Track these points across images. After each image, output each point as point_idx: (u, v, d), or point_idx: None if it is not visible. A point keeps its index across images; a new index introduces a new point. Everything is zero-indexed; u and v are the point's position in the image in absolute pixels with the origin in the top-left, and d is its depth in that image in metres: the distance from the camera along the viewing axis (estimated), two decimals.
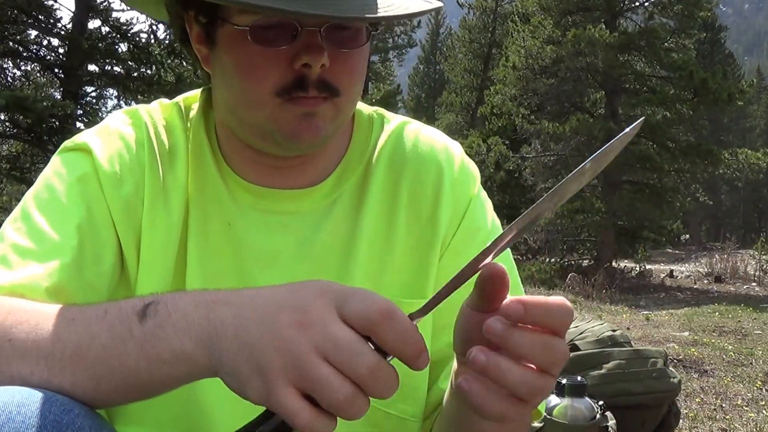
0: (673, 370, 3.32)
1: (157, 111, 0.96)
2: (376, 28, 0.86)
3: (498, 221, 1.02)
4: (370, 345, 0.59)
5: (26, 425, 0.58)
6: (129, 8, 9.81)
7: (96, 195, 0.87)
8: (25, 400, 0.60)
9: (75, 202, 0.85)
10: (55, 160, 0.91)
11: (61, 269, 0.79)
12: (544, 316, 0.62)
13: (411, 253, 0.94)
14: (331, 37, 0.79)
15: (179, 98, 0.99)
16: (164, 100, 0.99)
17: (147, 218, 0.88)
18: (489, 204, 1.02)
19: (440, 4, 0.86)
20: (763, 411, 4.06)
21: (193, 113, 0.96)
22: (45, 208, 0.85)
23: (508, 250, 1.00)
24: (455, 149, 1.00)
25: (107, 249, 0.85)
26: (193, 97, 0.99)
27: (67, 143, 0.92)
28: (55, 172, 0.89)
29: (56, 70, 10.50)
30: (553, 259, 17.62)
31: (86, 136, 0.91)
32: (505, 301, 0.64)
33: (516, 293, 0.99)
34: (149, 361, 0.64)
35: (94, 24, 10.40)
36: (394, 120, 1.01)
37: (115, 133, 0.91)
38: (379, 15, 0.78)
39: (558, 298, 0.64)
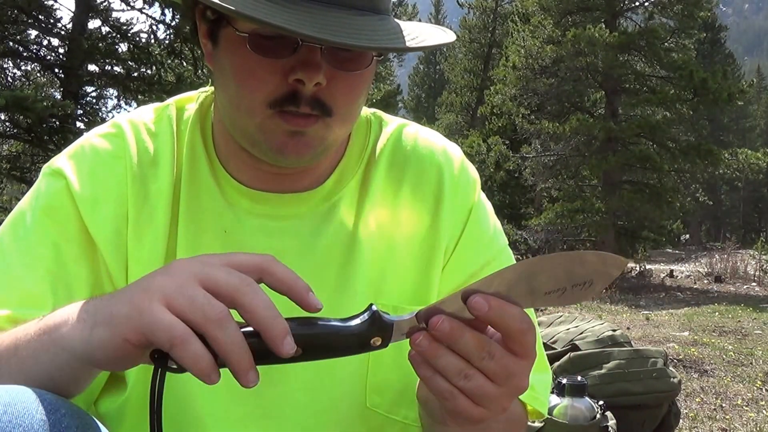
0: (673, 370, 3.33)
1: (143, 118, 0.94)
2: (381, 54, 0.84)
3: (499, 224, 1.02)
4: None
5: (13, 425, 0.58)
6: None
7: (65, 227, 0.86)
8: (13, 399, 0.60)
9: (42, 242, 0.85)
10: (35, 185, 0.90)
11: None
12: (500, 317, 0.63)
13: (413, 259, 0.93)
14: (332, 56, 0.77)
15: (171, 100, 0.97)
16: (158, 104, 0.97)
17: (132, 234, 0.87)
18: (490, 208, 1.01)
19: (451, 38, 0.83)
20: (763, 411, 4.06)
21: (188, 114, 0.95)
22: (18, 248, 0.85)
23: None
24: (454, 152, 0.99)
25: (77, 285, 0.84)
26: (188, 98, 0.97)
27: (46, 167, 0.91)
28: (30, 203, 0.89)
29: (56, 70, 10.48)
30: None
31: (61, 160, 0.90)
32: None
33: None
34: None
35: (94, 24, 10.40)
36: (392, 122, 1.00)
37: (89, 152, 0.90)
38: (377, 45, 0.75)
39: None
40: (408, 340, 0.65)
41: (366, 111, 1.00)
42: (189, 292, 0.59)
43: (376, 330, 0.63)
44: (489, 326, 0.65)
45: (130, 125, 0.92)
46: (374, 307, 0.65)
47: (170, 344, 0.57)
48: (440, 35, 0.83)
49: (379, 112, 1.02)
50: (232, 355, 0.58)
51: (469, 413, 0.66)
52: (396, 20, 0.83)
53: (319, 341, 0.62)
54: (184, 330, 0.57)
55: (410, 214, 0.94)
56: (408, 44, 0.78)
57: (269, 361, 0.60)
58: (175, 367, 0.59)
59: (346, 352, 0.64)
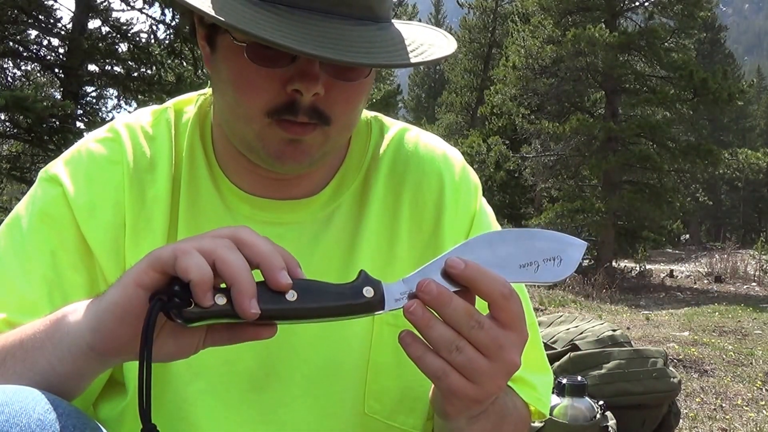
0: (673, 370, 3.32)
1: (140, 121, 0.93)
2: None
3: (500, 228, 1.02)
4: None
5: (10, 424, 0.59)
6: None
7: (62, 235, 0.85)
8: (9, 399, 0.60)
9: (39, 249, 0.85)
10: (32, 190, 0.90)
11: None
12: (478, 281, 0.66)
13: (414, 266, 0.92)
14: (330, 66, 0.76)
15: (170, 103, 0.96)
16: (156, 107, 0.96)
17: (130, 240, 0.87)
18: (491, 213, 1.01)
19: (453, 49, 0.82)
20: (763, 411, 4.06)
21: (186, 117, 0.94)
22: (15, 253, 0.85)
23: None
24: (455, 158, 0.99)
25: (73, 293, 0.84)
26: (186, 100, 0.96)
27: (43, 171, 0.91)
28: (26, 208, 0.88)
29: (56, 70, 10.47)
30: None
31: (57, 166, 0.90)
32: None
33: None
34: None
35: (94, 24, 10.38)
36: (393, 127, 1.00)
37: (86, 157, 0.89)
38: (374, 62, 0.74)
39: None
40: (401, 339, 0.67)
41: (367, 114, 0.99)
42: (193, 240, 0.64)
43: (364, 281, 0.67)
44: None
45: (127, 129, 0.91)
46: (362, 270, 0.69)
47: (174, 256, 0.61)
48: (442, 45, 0.81)
49: (380, 116, 1.01)
50: (239, 275, 0.61)
51: (463, 391, 0.66)
52: (398, 26, 0.82)
53: (313, 286, 0.65)
54: (188, 245, 0.61)
55: (411, 221, 0.94)
56: (410, 57, 0.77)
57: (271, 311, 0.63)
58: (172, 310, 0.61)
59: (340, 300, 0.66)
